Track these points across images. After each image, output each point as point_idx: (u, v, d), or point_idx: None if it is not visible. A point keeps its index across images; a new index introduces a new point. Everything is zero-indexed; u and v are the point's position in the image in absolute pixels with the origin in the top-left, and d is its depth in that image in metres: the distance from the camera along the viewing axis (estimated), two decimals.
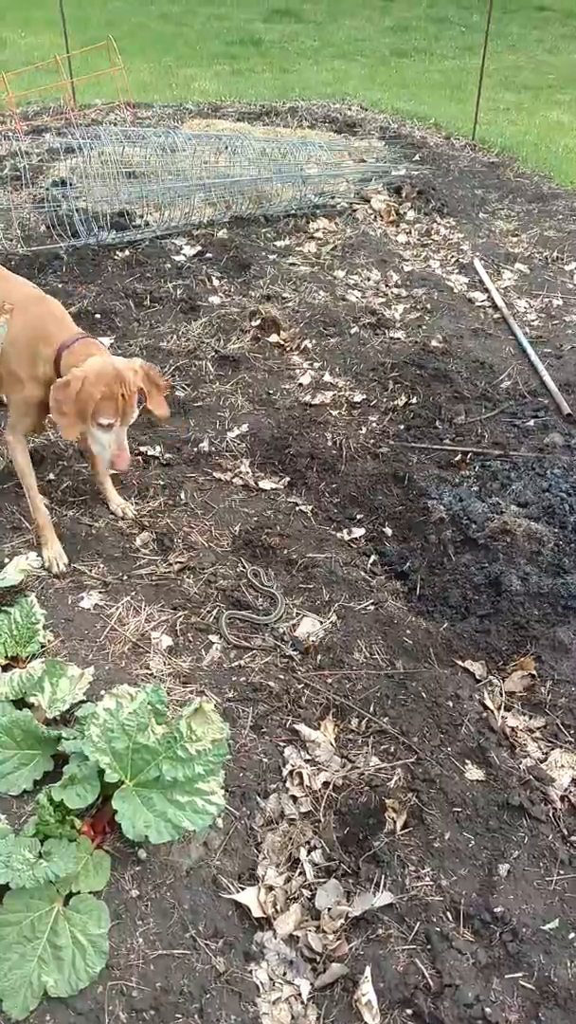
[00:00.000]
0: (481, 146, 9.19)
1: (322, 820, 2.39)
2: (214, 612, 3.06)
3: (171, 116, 9.52)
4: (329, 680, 2.82)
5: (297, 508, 3.66)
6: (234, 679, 2.80)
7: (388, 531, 3.58)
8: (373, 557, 3.45)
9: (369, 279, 5.83)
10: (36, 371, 3.03)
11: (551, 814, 2.40)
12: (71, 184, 6.64)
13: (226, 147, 6.92)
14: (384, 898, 2.18)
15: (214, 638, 2.95)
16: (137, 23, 15.31)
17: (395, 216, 7.03)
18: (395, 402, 4.43)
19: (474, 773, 2.50)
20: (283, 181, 6.87)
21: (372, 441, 4.11)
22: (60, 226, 5.94)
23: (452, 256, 6.34)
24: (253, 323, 5.04)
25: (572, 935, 2.13)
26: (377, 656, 2.90)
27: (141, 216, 6.37)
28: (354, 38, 15.24)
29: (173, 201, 6.37)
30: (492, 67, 10.05)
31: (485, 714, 2.69)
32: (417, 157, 8.45)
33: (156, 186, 6.36)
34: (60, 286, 5.42)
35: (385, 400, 4.46)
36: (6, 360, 3.10)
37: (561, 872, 2.26)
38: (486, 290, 5.79)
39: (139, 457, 3.92)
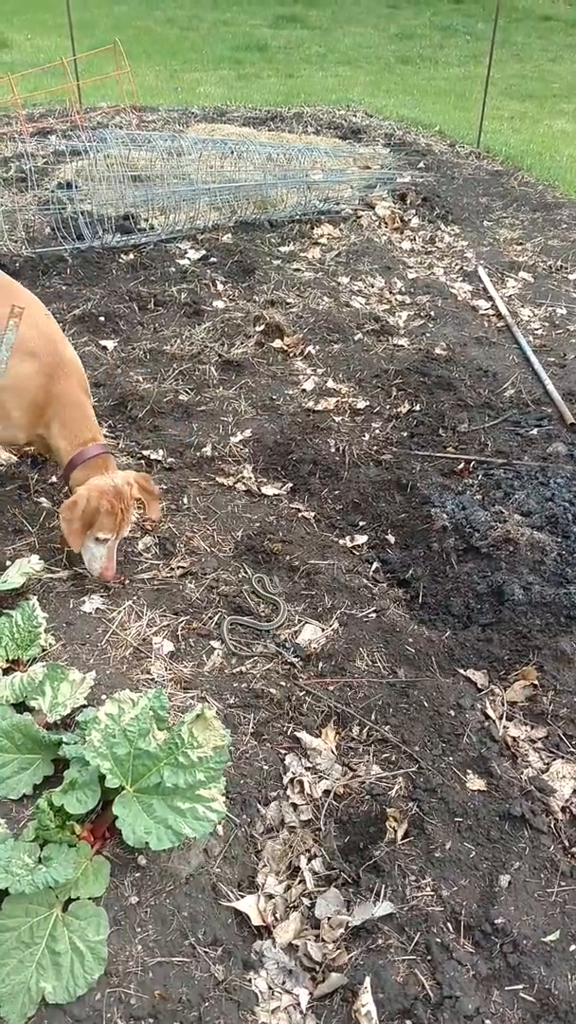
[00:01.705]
0: (486, 154, 9.21)
1: (323, 828, 2.38)
2: (216, 618, 3.06)
3: (177, 120, 9.54)
4: (330, 687, 2.81)
5: (300, 514, 3.66)
6: (235, 685, 2.79)
7: (391, 538, 3.58)
8: (375, 564, 3.45)
9: (373, 286, 5.83)
10: (24, 420, 3.13)
11: (552, 825, 2.39)
12: (76, 187, 6.65)
13: (231, 152, 6.93)
14: (384, 908, 2.17)
15: (215, 644, 2.95)
16: (143, 27, 15.36)
17: (399, 223, 7.03)
18: (398, 409, 4.43)
19: (475, 783, 2.49)
20: (288, 186, 6.88)
21: (375, 448, 4.11)
22: (65, 228, 5.94)
23: (456, 264, 6.35)
24: (257, 328, 5.04)
25: (573, 947, 2.12)
26: (379, 664, 2.90)
27: (146, 219, 6.38)
28: (359, 45, 15.28)
29: (178, 205, 6.38)
30: (497, 76, 10.08)
31: (487, 724, 2.68)
32: (422, 164, 8.47)
33: (161, 190, 6.36)
34: (64, 288, 5.42)
35: (388, 407, 4.46)
36: (22, 397, 3.11)
37: (562, 884, 2.25)
38: (490, 298, 5.79)
39: (142, 461, 3.91)
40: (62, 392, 3.14)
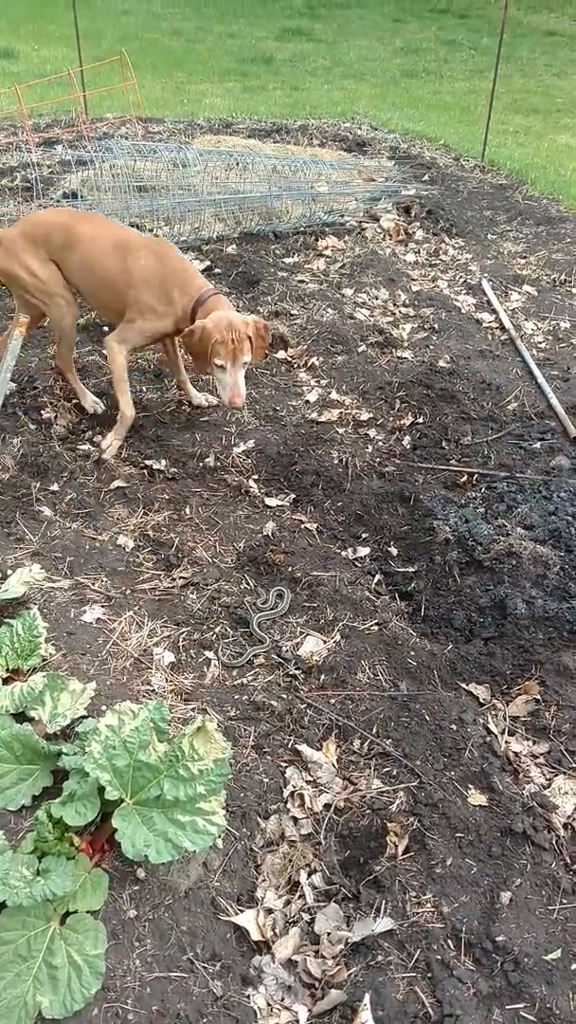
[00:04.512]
0: (490, 168, 9.23)
1: (323, 843, 2.36)
2: (218, 628, 3.05)
3: (182, 131, 9.58)
4: (332, 700, 2.79)
5: (302, 525, 3.65)
6: (236, 697, 2.78)
7: (393, 551, 3.57)
8: (378, 577, 3.44)
9: (377, 298, 5.84)
10: (168, 308, 3.82)
11: (554, 842, 2.37)
12: (82, 196, 6.67)
13: (237, 163, 6.95)
14: (384, 924, 2.15)
15: (210, 654, 2.94)
16: (149, 39, 15.43)
17: (404, 235, 7.05)
18: (401, 421, 4.42)
19: (477, 798, 2.47)
20: (293, 198, 6.90)
21: (378, 460, 4.10)
22: None
23: (460, 276, 6.35)
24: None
25: (575, 966, 2.10)
26: (380, 677, 2.88)
27: (151, 230, 6.38)
28: (365, 58, 15.35)
29: (183, 216, 6.40)
30: (501, 90, 10.11)
31: (489, 738, 2.66)
32: (426, 177, 8.49)
33: (166, 200, 6.38)
34: None
35: (392, 419, 4.45)
36: (142, 290, 3.80)
37: (564, 901, 2.23)
38: (494, 311, 5.80)
39: (144, 471, 3.91)
40: (176, 265, 3.84)
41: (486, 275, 6.35)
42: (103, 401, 4.35)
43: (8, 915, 1.96)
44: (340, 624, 3.10)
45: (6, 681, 2.63)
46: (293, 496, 3.83)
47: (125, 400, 3.99)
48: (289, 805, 2.45)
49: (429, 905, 2.20)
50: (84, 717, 2.48)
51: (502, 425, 4.44)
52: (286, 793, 2.48)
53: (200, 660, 2.92)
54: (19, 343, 3.38)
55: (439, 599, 3.28)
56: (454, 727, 2.68)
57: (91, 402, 4.32)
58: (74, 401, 4.35)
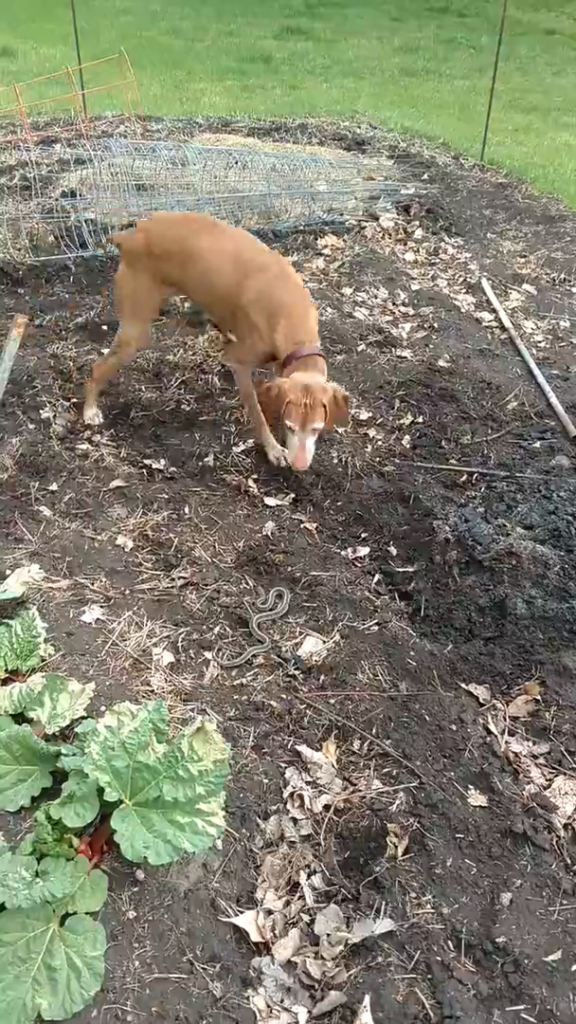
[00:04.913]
0: (489, 167, 9.21)
1: (323, 843, 2.36)
2: (217, 628, 3.04)
3: (181, 130, 9.55)
4: (331, 700, 2.79)
5: (302, 525, 3.65)
6: (235, 698, 2.77)
7: (393, 551, 3.57)
8: (377, 576, 3.43)
9: (376, 297, 5.83)
10: (268, 334, 3.70)
11: (554, 842, 2.37)
12: (80, 195, 6.65)
13: (236, 162, 6.93)
14: (384, 925, 2.14)
15: (209, 655, 2.93)
16: (148, 38, 15.40)
17: (403, 234, 7.03)
18: (401, 421, 4.42)
19: (477, 799, 2.47)
20: (292, 197, 6.88)
21: (378, 459, 4.10)
22: (68, 237, 5.94)
23: (459, 276, 6.34)
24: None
25: (575, 967, 2.10)
26: (380, 677, 2.88)
27: None
28: (364, 57, 15.32)
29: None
30: (501, 88, 10.08)
31: (489, 739, 2.66)
32: (426, 176, 8.48)
33: (165, 199, 6.36)
34: (67, 296, 5.42)
35: (391, 419, 4.45)
36: (252, 310, 3.73)
37: (564, 902, 2.23)
38: (493, 310, 5.79)
39: (143, 470, 3.90)
40: (288, 297, 3.70)
41: (485, 274, 6.35)
42: (102, 399, 4.34)
43: (7, 917, 1.96)
44: (340, 624, 3.10)
45: (5, 682, 2.62)
46: (292, 496, 3.83)
47: (257, 418, 3.97)
48: (289, 806, 2.44)
49: (429, 906, 2.20)
50: (83, 718, 2.47)
51: (502, 425, 4.44)
52: (286, 794, 2.47)
53: (199, 660, 2.91)
54: (16, 344, 3.37)
55: (439, 599, 3.28)
56: (454, 727, 2.68)
57: (91, 415, 4.22)
58: (73, 400, 4.34)
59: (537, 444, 4.24)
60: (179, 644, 2.95)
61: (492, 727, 2.71)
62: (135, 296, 3.97)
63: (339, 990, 2.02)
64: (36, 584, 3.06)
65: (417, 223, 7.25)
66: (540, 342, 5.43)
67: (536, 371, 4.94)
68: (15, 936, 1.95)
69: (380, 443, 4.24)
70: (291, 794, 2.47)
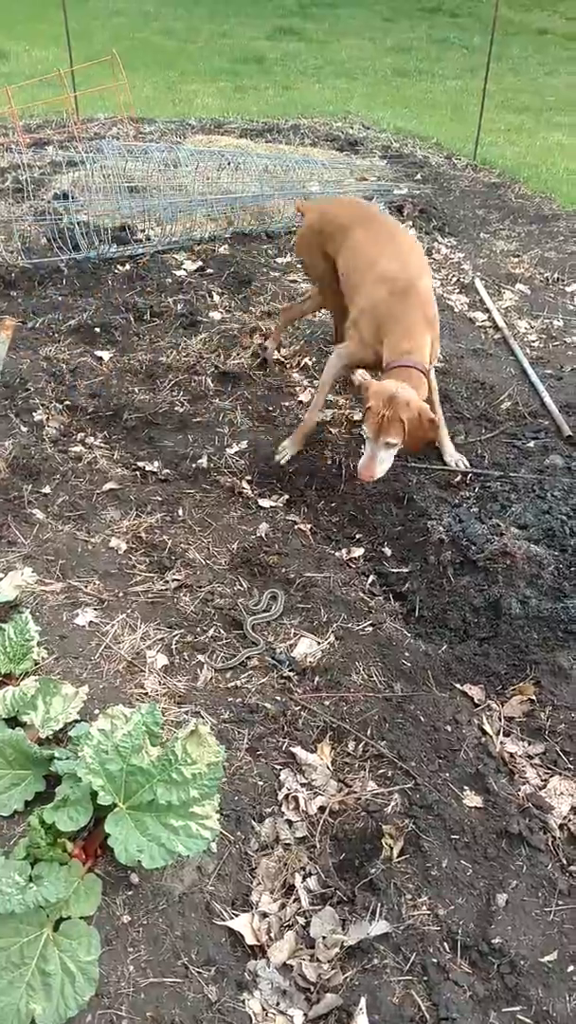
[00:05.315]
0: (482, 166, 9.22)
1: (318, 846, 2.35)
2: (211, 631, 3.03)
3: (174, 131, 9.55)
4: (326, 702, 2.78)
5: (296, 526, 3.64)
6: (230, 700, 2.76)
7: (387, 551, 3.56)
8: (372, 577, 3.43)
9: None
10: (370, 337, 3.68)
11: (550, 843, 2.36)
12: (73, 197, 6.64)
13: (228, 163, 6.93)
14: (380, 927, 2.14)
15: (203, 657, 2.92)
16: (141, 39, 15.39)
17: None
18: None
19: (472, 800, 2.46)
20: (285, 197, 6.88)
21: None
22: (61, 239, 5.93)
23: (453, 275, 6.35)
24: (254, 339, 5.02)
25: (571, 968, 2.09)
26: (375, 678, 2.87)
27: (142, 230, 6.37)
28: (356, 57, 15.33)
29: (175, 216, 6.37)
30: (493, 88, 10.08)
31: (484, 739, 2.66)
32: (418, 176, 8.48)
33: (158, 201, 6.36)
34: (60, 299, 5.40)
35: None
36: (362, 318, 3.74)
37: (560, 903, 2.22)
38: (487, 310, 5.79)
39: (137, 472, 3.89)
40: (400, 312, 3.60)
41: (479, 274, 6.35)
42: (94, 401, 4.33)
43: (0, 922, 1.95)
44: (334, 625, 3.09)
45: None
46: (287, 497, 3.82)
47: (313, 410, 4.01)
48: (283, 808, 2.44)
49: (425, 908, 2.19)
50: (77, 721, 2.46)
51: (495, 424, 4.43)
52: (280, 796, 2.47)
53: (193, 663, 2.91)
54: (5, 346, 3.35)
55: (433, 599, 3.27)
56: (449, 728, 2.67)
57: (272, 350, 4.80)
58: (66, 403, 4.33)
59: (531, 444, 4.24)
60: (173, 646, 2.94)
61: (487, 728, 2.70)
62: (311, 264, 4.38)
63: (335, 993, 2.02)
64: (29, 587, 3.05)
65: (410, 223, 7.25)
66: (534, 342, 5.43)
67: (530, 371, 4.94)
68: (9, 941, 1.94)
69: None
70: (286, 796, 2.46)
